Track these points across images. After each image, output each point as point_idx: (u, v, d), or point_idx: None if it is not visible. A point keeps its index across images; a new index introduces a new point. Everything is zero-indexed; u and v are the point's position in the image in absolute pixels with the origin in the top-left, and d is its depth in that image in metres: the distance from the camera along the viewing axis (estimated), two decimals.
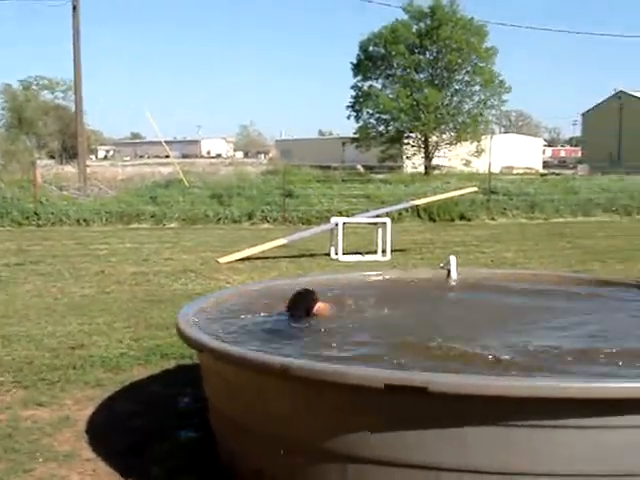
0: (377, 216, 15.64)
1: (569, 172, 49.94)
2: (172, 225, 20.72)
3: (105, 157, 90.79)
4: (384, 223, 14.49)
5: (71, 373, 6.45)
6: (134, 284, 11.05)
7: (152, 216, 21.06)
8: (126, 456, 4.72)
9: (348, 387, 3.45)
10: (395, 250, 14.55)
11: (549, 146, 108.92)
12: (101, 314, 8.82)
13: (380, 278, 6.41)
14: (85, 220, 20.49)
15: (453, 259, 6.41)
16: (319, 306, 4.99)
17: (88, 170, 28.46)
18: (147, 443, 4.91)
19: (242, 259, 13.38)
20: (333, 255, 14.04)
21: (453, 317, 5.16)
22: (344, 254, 13.94)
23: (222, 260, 13.19)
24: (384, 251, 14.13)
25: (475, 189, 20.15)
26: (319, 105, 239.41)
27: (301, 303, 4.96)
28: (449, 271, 6.37)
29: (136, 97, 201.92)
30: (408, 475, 3.50)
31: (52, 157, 54.82)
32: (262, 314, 5.07)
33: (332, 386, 3.51)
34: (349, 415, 3.54)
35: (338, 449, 3.60)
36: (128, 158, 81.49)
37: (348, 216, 17.64)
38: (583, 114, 61.64)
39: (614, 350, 4.08)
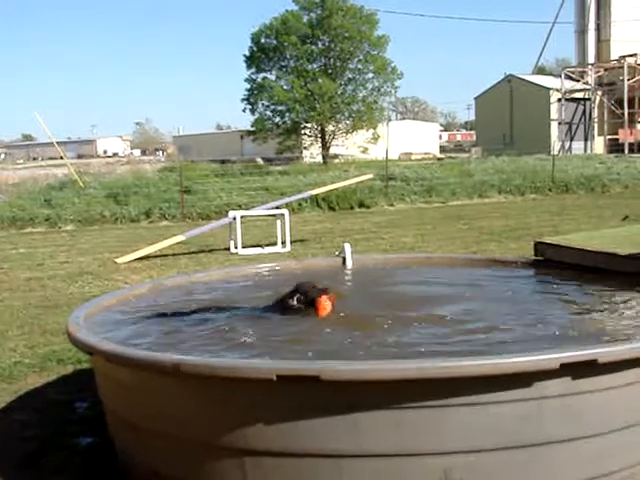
0: (276, 208, 15.62)
1: (465, 155, 50.99)
2: (68, 227, 20.20)
3: None
4: (282, 214, 14.49)
5: None
6: (28, 290, 10.73)
7: (46, 219, 20.47)
8: (20, 469, 4.59)
9: (240, 381, 3.42)
10: (295, 241, 14.56)
11: (445, 131, 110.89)
12: None
13: (275, 269, 6.39)
14: None
15: (348, 247, 6.44)
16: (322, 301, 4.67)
17: None
18: (44, 453, 4.78)
19: (140, 258, 13.16)
20: (233, 249, 13.95)
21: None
22: (244, 247, 13.86)
23: (120, 260, 12.95)
24: (284, 242, 14.12)
25: (371, 176, 20.35)
26: (216, 99, 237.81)
27: (304, 293, 4.69)
28: (344, 259, 6.40)
29: (27, 98, 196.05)
30: (307, 464, 3.49)
31: None
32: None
33: (224, 381, 3.47)
34: (243, 409, 3.51)
35: (235, 444, 3.56)
36: (21, 161, 79.21)
37: (247, 209, 17.56)
38: (476, 98, 62.83)
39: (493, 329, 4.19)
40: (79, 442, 4.96)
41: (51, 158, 66.19)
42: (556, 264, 6.01)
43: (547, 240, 6.42)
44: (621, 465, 3.74)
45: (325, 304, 4.61)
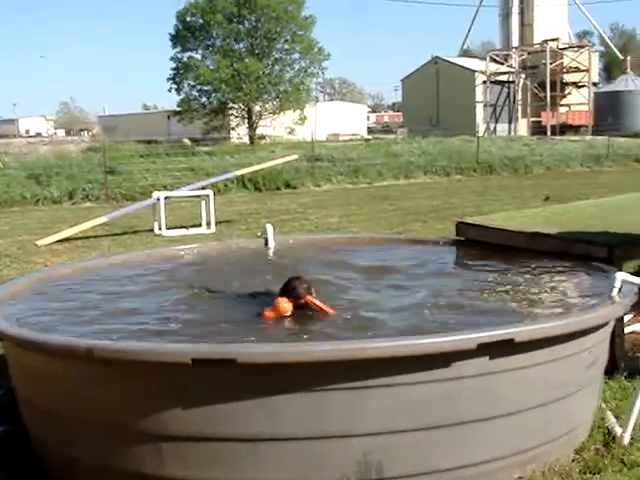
0: (201, 188, 15.44)
1: (392, 137, 51.31)
2: None
3: None
4: (207, 195, 14.32)
5: None
6: None
7: None
8: None
9: (156, 365, 3.36)
10: (220, 222, 14.43)
11: (373, 112, 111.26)
12: None
13: (196, 251, 6.30)
14: None
15: (270, 227, 6.40)
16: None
17: None
18: None
19: (62, 240, 12.86)
20: (157, 230, 13.73)
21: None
22: (168, 229, 13.67)
23: (40, 243, 12.63)
24: (208, 224, 13.98)
25: (296, 157, 20.25)
26: (142, 79, 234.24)
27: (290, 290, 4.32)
28: (266, 239, 6.36)
29: None
30: (226, 449, 3.45)
31: None
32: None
33: (140, 365, 3.40)
34: (160, 393, 3.45)
35: (151, 429, 3.49)
36: None
37: (172, 190, 17.33)
38: (403, 80, 63.15)
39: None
40: None
41: None
42: (477, 244, 6.07)
43: (468, 220, 6.49)
44: (536, 442, 3.80)
45: (283, 306, 4.28)
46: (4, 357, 5.88)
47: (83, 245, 12.58)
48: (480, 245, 6.01)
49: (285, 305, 4.25)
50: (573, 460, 4.01)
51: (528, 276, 5.07)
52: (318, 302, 4.28)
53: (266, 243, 6.35)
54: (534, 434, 3.77)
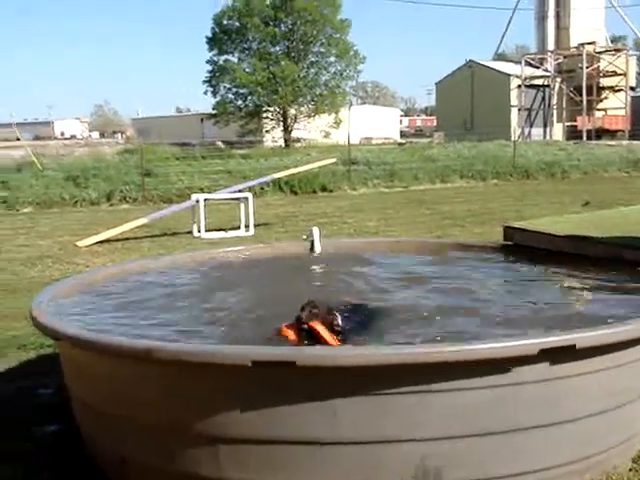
0: (239, 191, 15.49)
1: (425, 140, 51.13)
2: (26, 210, 19.84)
3: None
4: (246, 198, 14.37)
5: None
6: None
7: (3, 201, 20.11)
8: None
9: (215, 367, 3.34)
10: (258, 225, 14.47)
11: (405, 116, 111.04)
12: None
13: (245, 253, 6.30)
14: None
15: (316, 230, 6.37)
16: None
17: None
18: (4, 441, 4.63)
19: (102, 242, 12.97)
20: (196, 233, 13.81)
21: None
22: (207, 231, 13.73)
23: (81, 244, 12.75)
24: (247, 226, 14.02)
25: (334, 160, 20.26)
26: (175, 82, 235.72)
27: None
28: (312, 243, 6.33)
29: None
30: (284, 452, 3.43)
31: None
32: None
33: (199, 367, 3.39)
34: (218, 395, 3.43)
35: (209, 431, 3.48)
36: None
37: (209, 193, 17.40)
38: (437, 83, 62.92)
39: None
40: (44, 430, 4.82)
41: (6, 140, 64.95)
42: (525, 248, 6.01)
43: (516, 225, 6.42)
44: (594, 450, 3.74)
45: (284, 329, 4.04)
46: (51, 357, 5.98)
47: (123, 247, 12.67)
48: (528, 250, 5.96)
49: (286, 329, 4.01)
50: (630, 469, 3.95)
51: (580, 282, 5.01)
52: (321, 330, 3.93)
53: (312, 247, 6.32)
54: (593, 442, 3.71)
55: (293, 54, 43.82)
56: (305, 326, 3.96)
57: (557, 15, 55.51)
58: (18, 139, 35.14)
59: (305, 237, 6.49)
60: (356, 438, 3.34)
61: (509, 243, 6.24)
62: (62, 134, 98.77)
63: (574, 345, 3.39)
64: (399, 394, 3.30)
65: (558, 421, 3.54)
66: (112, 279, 5.47)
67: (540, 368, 3.40)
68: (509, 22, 63.06)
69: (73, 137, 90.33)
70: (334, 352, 3.36)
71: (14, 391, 5.60)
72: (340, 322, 4.04)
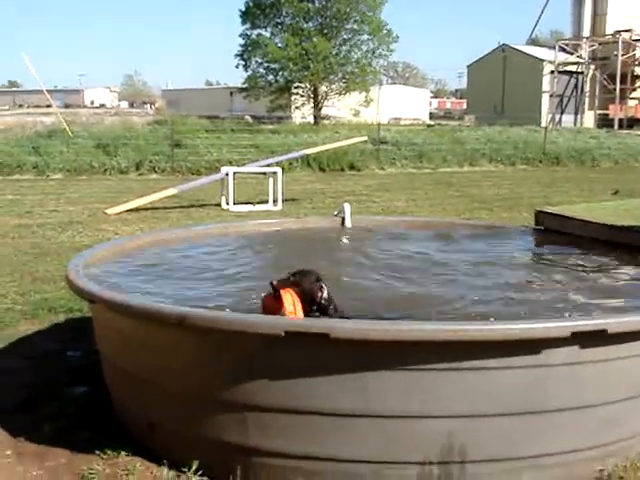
0: (268, 165, 15.51)
1: (454, 123, 50.83)
2: (56, 176, 20.01)
3: None
4: (275, 172, 14.39)
5: None
6: (17, 237, 10.63)
7: (34, 167, 20.28)
8: (14, 415, 4.55)
9: (248, 335, 3.38)
10: (286, 200, 14.49)
11: (435, 97, 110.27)
12: None
13: (276, 227, 6.33)
14: None
15: (347, 206, 6.39)
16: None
17: None
18: (37, 401, 4.74)
19: (131, 210, 13.07)
20: (224, 205, 13.87)
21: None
22: (235, 204, 13.78)
23: (110, 211, 12.85)
24: (275, 201, 14.05)
25: (365, 139, 20.22)
26: (206, 55, 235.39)
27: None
28: (343, 219, 6.35)
29: (13, 43, 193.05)
30: (311, 422, 3.47)
31: None
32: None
33: (231, 335, 3.43)
34: (249, 364, 3.48)
35: (238, 399, 3.54)
36: (7, 107, 78.23)
37: (238, 166, 17.43)
38: (468, 66, 62.43)
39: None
40: (73, 391, 4.91)
41: (37, 106, 65.15)
42: (556, 234, 6.00)
43: (549, 209, 6.41)
44: (619, 436, 3.76)
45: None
46: (80, 320, 6.07)
47: (152, 216, 12.75)
48: (560, 235, 5.95)
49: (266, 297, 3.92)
50: None
51: (613, 268, 5.01)
52: (286, 298, 3.77)
53: (343, 222, 6.34)
54: (618, 427, 3.72)
55: (326, 30, 43.46)
56: (276, 292, 3.82)
57: (594, 1, 54.75)
58: (49, 105, 35.20)
59: (336, 213, 6.51)
60: (384, 412, 3.37)
61: (540, 227, 6.22)
62: (92, 102, 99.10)
63: (605, 330, 3.40)
64: (428, 370, 3.33)
65: (585, 405, 3.55)
66: (147, 247, 5.53)
67: (570, 351, 3.42)
68: (544, 6, 62.20)
69: (103, 106, 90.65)
70: (367, 326, 3.38)
71: (45, 353, 5.69)
72: (325, 295, 3.90)
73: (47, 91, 32.47)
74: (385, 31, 44.00)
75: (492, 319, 3.81)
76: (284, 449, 3.53)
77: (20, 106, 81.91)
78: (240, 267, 5.03)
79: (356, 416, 3.41)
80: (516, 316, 3.80)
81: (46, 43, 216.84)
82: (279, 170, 14.54)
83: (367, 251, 5.58)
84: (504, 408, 3.44)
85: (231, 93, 61.08)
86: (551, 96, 52.95)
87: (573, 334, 3.33)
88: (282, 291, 3.78)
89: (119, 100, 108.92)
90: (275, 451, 3.53)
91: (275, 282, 3.81)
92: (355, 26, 44.22)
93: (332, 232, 6.16)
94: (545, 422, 3.51)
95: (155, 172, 21.02)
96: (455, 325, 3.45)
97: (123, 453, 3.98)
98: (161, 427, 3.92)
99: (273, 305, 3.79)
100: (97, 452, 4.00)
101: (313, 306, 3.87)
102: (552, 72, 52.99)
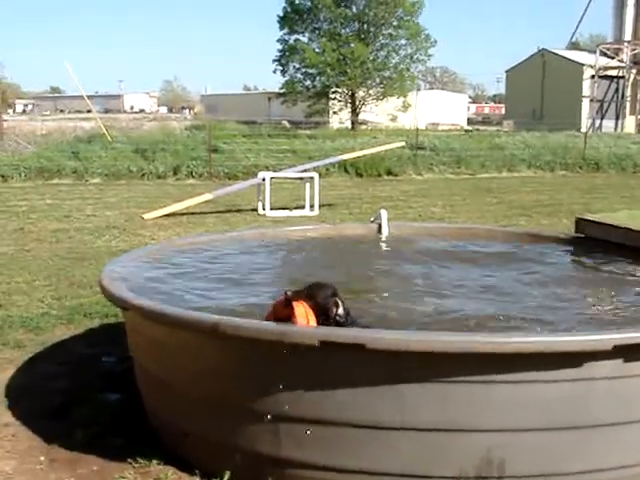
0: (305, 171, 15.46)
1: (493, 128, 50.47)
2: (95, 181, 20.16)
3: (24, 111, 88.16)
4: (312, 178, 14.35)
5: None
6: (55, 241, 10.71)
7: (74, 172, 20.44)
8: (48, 420, 4.54)
9: (282, 345, 3.32)
10: (323, 205, 14.44)
11: (473, 102, 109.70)
12: (20, 273, 8.50)
13: (311, 233, 6.27)
14: (2, 176, 19.73)
15: (384, 213, 6.29)
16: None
17: (5, 125, 27.47)
18: (70, 406, 4.72)
19: (167, 215, 13.09)
20: (260, 210, 13.86)
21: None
22: (272, 209, 13.76)
23: (147, 216, 12.89)
24: (312, 206, 14.00)
25: (403, 144, 20.10)
26: (244, 60, 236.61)
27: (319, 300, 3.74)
28: (380, 226, 6.26)
29: (56, 50, 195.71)
30: (345, 434, 3.40)
31: None
32: None
33: (266, 344, 3.37)
34: (283, 374, 3.41)
35: (271, 409, 3.47)
36: (48, 112, 79.25)
37: (275, 171, 17.42)
38: (507, 71, 61.99)
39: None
40: (106, 397, 4.89)
41: (78, 111, 65.97)
42: (598, 242, 5.86)
43: (590, 217, 6.26)
44: None
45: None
46: (115, 326, 6.05)
47: (188, 221, 12.77)
48: (601, 243, 5.81)
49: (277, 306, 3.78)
50: None
51: None
52: (298, 310, 3.60)
53: (379, 229, 6.26)
54: None
55: (363, 36, 43.43)
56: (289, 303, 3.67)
57: (637, 3, 53.98)
58: (89, 111, 35.57)
59: (373, 219, 6.42)
60: (421, 425, 3.29)
61: (580, 235, 6.09)
62: (131, 108, 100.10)
63: None
64: (468, 383, 3.24)
65: (630, 420, 3.44)
66: (181, 251, 5.50)
67: (613, 365, 3.31)
68: (585, 10, 61.50)
69: (142, 111, 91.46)
70: (404, 337, 3.30)
71: (80, 358, 5.69)
72: (341, 312, 3.70)
73: (88, 97, 32.82)
74: (423, 36, 43.84)
75: (538, 329, 3.72)
76: (318, 461, 3.46)
77: (61, 111, 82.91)
78: (267, 274, 4.99)
79: (392, 429, 3.33)
80: (557, 328, 3.69)
81: (87, 50, 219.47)
82: (316, 175, 14.49)
83: (402, 261, 5.49)
84: (545, 422, 3.34)
85: (269, 98, 61.32)
86: (591, 101, 52.32)
87: (615, 347, 3.22)
88: (294, 303, 3.63)
89: (158, 105, 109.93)
90: (307, 463, 3.47)
91: (289, 293, 3.66)
92: (392, 31, 44.11)
93: (368, 240, 6.08)
94: (590, 437, 3.41)
95: (192, 177, 21.09)
96: (497, 337, 3.35)
97: (155, 462, 3.94)
98: (193, 436, 3.87)
99: (283, 312, 3.66)
100: (129, 460, 3.96)
101: (327, 321, 3.68)
102: (592, 77, 52.36)
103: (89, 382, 5.17)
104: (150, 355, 4.13)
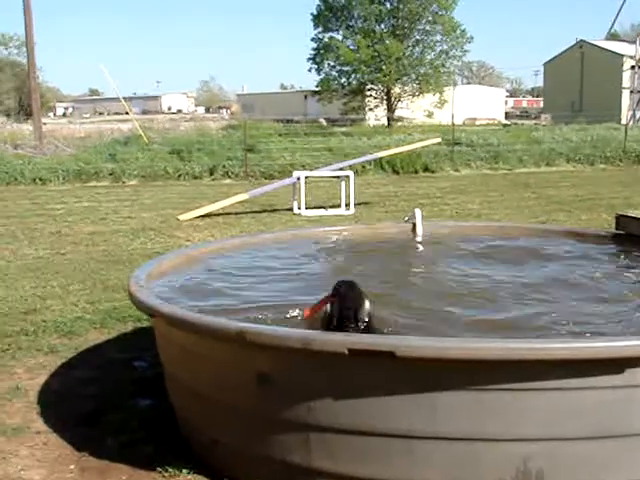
0: (340, 169, 15.36)
1: (531, 122, 49.95)
2: (132, 182, 20.28)
3: (64, 114, 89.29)
4: (347, 176, 14.25)
5: (23, 340, 6.19)
6: (91, 244, 10.74)
7: (111, 174, 20.60)
8: (80, 427, 4.51)
9: (310, 353, 3.23)
10: (359, 204, 14.33)
11: (511, 97, 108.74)
12: (55, 276, 8.52)
13: (345, 233, 6.17)
14: (41, 179, 19.93)
15: (418, 212, 6.18)
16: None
17: (45, 128, 27.76)
18: (102, 412, 4.69)
19: (203, 216, 13.08)
20: (296, 210, 13.79)
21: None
22: (307, 208, 13.69)
23: (182, 217, 12.89)
24: (347, 205, 13.90)
25: (439, 140, 19.90)
26: (281, 59, 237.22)
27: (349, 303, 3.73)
28: (414, 225, 6.14)
29: (94, 52, 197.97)
30: (377, 444, 3.30)
31: (8, 115, 53.50)
32: None
33: (293, 352, 3.28)
34: (311, 383, 3.33)
35: (300, 418, 3.38)
36: (87, 115, 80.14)
37: (311, 170, 17.34)
38: (545, 64, 61.38)
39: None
40: (138, 403, 4.85)
41: (117, 113, 66.64)
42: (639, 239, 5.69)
43: (631, 214, 6.08)
44: None
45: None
46: (148, 331, 6.00)
47: (223, 222, 12.74)
48: None
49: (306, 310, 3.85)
50: None
51: None
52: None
53: (414, 229, 6.14)
54: None
55: (398, 32, 43.21)
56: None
57: None
58: (127, 113, 35.84)
59: (406, 219, 6.30)
60: (455, 434, 3.18)
61: (621, 232, 5.91)
62: (169, 108, 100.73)
63: None
64: (502, 390, 3.12)
65: None
66: (213, 255, 5.45)
67: None
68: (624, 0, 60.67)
69: (179, 111, 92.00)
70: (436, 344, 3.19)
71: (112, 363, 5.66)
72: (364, 316, 3.67)
73: (125, 98, 33.09)
74: (459, 31, 43.51)
75: (588, 334, 3.59)
76: (350, 472, 3.36)
77: (100, 114, 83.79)
78: (298, 278, 4.91)
79: (426, 438, 3.22)
80: (600, 333, 3.55)
81: (126, 50, 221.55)
82: (351, 174, 14.39)
83: (437, 262, 5.37)
84: (585, 431, 3.20)
85: (305, 96, 61.42)
86: (632, 92, 51.54)
87: None
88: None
89: (195, 106, 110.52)
90: (338, 473, 3.37)
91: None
92: (427, 27, 43.86)
93: (401, 241, 5.96)
94: (633, 446, 3.27)
95: (229, 177, 21.11)
96: (536, 343, 3.22)
97: (185, 471, 3.87)
98: (223, 444, 3.80)
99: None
100: (158, 469, 3.90)
101: (350, 320, 3.68)
102: (632, 67, 51.58)
103: (121, 388, 5.13)
104: (178, 361, 4.06)
